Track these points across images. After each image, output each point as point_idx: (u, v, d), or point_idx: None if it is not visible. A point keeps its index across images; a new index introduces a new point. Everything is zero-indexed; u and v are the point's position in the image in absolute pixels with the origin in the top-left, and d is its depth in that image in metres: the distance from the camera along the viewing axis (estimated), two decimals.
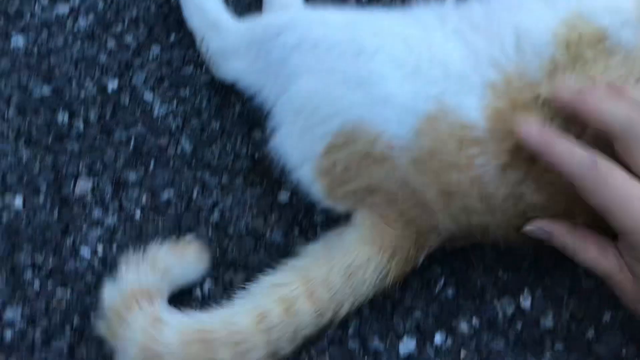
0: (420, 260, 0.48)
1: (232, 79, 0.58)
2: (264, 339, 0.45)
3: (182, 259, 0.50)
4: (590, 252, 0.44)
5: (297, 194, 0.54)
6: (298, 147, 0.50)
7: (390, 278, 0.48)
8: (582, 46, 0.45)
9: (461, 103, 0.45)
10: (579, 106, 0.43)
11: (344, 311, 0.47)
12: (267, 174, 0.56)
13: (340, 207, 0.50)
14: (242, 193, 0.55)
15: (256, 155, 0.57)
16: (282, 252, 0.52)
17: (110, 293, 0.47)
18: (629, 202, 0.40)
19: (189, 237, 0.53)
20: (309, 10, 0.59)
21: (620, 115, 0.41)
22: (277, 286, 0.47)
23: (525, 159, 0.44)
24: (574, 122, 0.44)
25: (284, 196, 0.55)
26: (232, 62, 0.58)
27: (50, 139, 0.58)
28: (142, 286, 0.47)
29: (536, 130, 0.43)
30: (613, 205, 0.41)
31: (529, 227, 0.46)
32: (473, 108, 0.45)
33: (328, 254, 0.48)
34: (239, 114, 0.59)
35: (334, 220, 0.53)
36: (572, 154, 0.42)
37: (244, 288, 0.51)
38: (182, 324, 0.46)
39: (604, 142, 0.42)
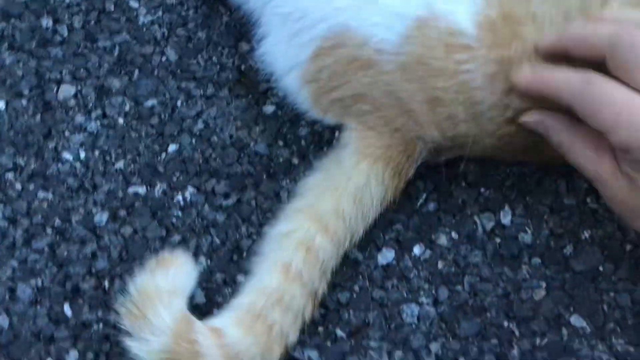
0: (411, 172, 0.48)
1: None
2: (297, 285, 0.44)
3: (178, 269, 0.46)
4: (584, 152, 0.42)
5: (282, 107, 0.54)
6: (285, 54, 0.49)
7: (389, 194, 0.47)
8: None
9: (451, 9, 0.44)
10: (565, 42, 0.42)
11: (358, 236, 0.47)
12: (252, 86, 0.55)
13: (325, 116, 0.49)
14: (227, 104, 0.54)
15: (242, 67, 0.56)
16: (265, 164, 0.52)
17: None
18: (630, 117, 0.38)
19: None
20: None
21: (605, 33, 0.40)
22: (290, 233, 0.45)
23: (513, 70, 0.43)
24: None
25: (269, 108, 0.54)
26: None
27: (33, 44, 0.57)
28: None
29: (530, 75, 0.42)
30: (614, 122, 0.39)
31: (527, 118, 0.44)
32: (464, 15, 0.44)
33: (330, 184, 0.47)
34: (227, 24, 0.57)
35: (318, 134, 0.53)
36: (563, 77, 0.41)
37: (227, 203, 0.51)
38: (235, 315, 0.44)
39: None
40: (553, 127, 0.43)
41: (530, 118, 0.44)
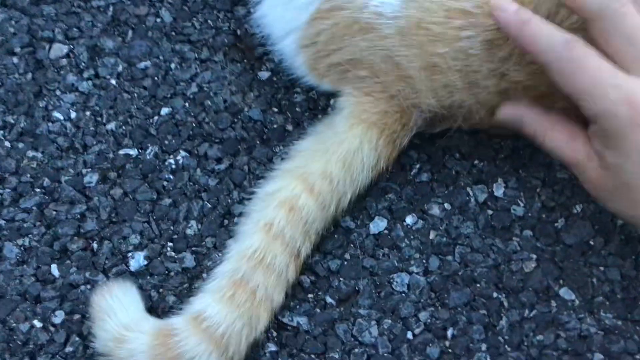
0: (406, 141, 0.46)
1: None
2: (279, 243, 0.42)
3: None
4: (559, 138, 0.42)
5: (278, 73, 0.51)
6: (282, 17, 0.47)
7: (382, 162, 0.45)
8: None
9: None
10: None
11: (346, 201, 0.45)
12: (248, 51, 0.52)
13: (322, 82, 0.47)
14: (221, 68, 0.52)
15: (238, 32, 0.53)
16: (258, 129, 0.50)
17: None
18: (602, 87, 0.37)
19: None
20: None
21: None
22: (276, 192, 0.43)
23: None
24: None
25: (264, 74, 0.51)
26: None
27: (26, 1, 0.54)
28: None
29: (512, 11, 0.40)
30: (586, 89, 0.38)
31: (501, 114, 0.43)
32: None
33: (321, 147, 0.44)
34: None
35: (313, 101, 0.50)
36: (547, 34, 0.39)
37: (219, 167, 0.48)
38: (217, 286, 0.41)
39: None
40: (526, 117, 0.42)
41: (504, 113, 0.43)
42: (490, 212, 0.47)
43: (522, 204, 0.47)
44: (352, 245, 0.46)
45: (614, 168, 0.39)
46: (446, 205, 0.47)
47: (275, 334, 0.43)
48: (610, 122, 0.38)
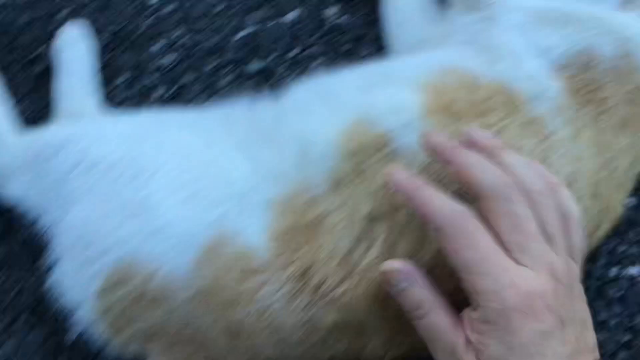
0: None
1: (14, 200, 0.48)
2: None
3: None
4: (444, 316, 0.36)
5: (88, 331, 0.45)
6: (75, 284, 0.41)
7: None
8: (364, 156, 0.39)
9: (242, 227, 0.38)
10: (450, 156, 0.37)
11: None
12: (53, 311, 0.46)
13: (127, 350, 0.41)
14: (25, 335, 0.45)
15: (43, 287, 0.47)
16: None
17: None
18: (491, 267, 0.34)
19: None
20: (93, 123, 0.50)
21: (490, 177, 0.36)
22: None
23: (312, 282, 0.37)
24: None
25: (73, 335, 0.45)
26: (13, 182, 0.48)
27: None
28: None
29: (405, 176, 0.37)
30: (475, 266, 0.34)
31: (390, 267, 0.36)
32: (255, 232, 0.38)
33: None
34: (25, 240, 0.48)
35: None
36: (443, 202, 0.36)
37: None
38: None
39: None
40: (418, 281, 0.36)
41: (393, 268, 0.36)
42: None
43: None
44: None
45: None
46: None
47: None
48: (495, 304, 0.34)
